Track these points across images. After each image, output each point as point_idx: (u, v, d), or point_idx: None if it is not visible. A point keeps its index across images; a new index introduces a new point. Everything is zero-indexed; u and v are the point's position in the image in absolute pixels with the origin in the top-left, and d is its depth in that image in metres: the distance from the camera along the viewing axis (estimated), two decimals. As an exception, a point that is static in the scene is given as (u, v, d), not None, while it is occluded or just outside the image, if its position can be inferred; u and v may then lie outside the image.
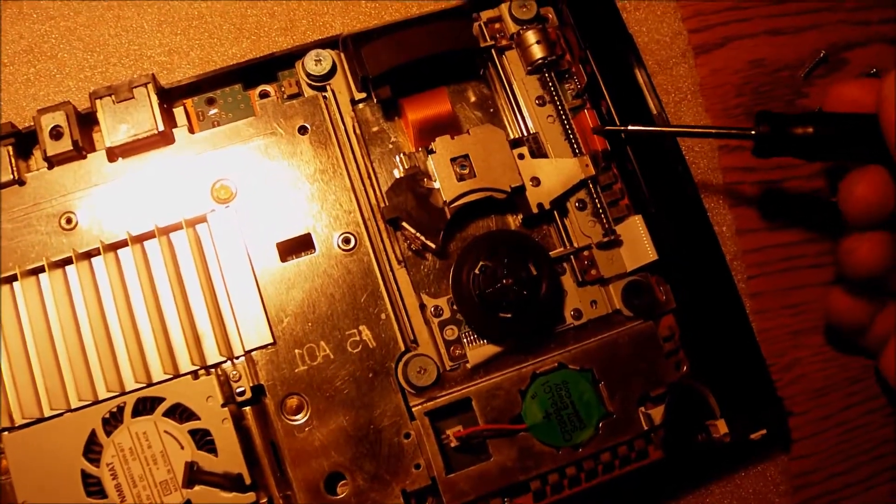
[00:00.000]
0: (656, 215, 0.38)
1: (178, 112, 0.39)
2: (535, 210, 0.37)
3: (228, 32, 0.41)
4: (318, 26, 0.42)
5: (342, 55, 0.39)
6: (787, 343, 0.42)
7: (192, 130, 0.38)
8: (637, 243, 0.38)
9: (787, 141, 0.36)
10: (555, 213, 0.38)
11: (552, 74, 0.39)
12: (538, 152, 0.38)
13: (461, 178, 0.37)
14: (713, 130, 0.38)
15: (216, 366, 0.35)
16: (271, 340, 0.35)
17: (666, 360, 0.37)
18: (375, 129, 0.39)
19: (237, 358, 0.36)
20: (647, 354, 0.37)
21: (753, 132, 0.36)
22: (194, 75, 0.39)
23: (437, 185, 0.36)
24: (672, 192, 0.39)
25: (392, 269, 0.36)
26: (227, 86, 0.39)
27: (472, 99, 0.40)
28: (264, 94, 0.39)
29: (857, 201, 0.36)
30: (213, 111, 0.39)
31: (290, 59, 0.39)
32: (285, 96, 0.39)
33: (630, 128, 0.38)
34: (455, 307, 0.36)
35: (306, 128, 0.37)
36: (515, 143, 0.38)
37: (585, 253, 0.38)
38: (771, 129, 0.36)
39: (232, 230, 0.36)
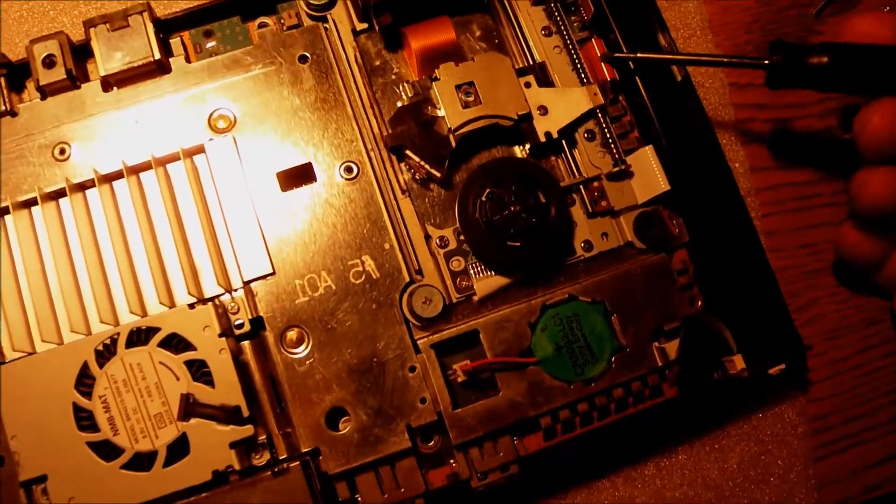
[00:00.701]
0: (668, 147, 0.35)
1: (175, 44, 0.36)
2: (542, 138, 0.34)
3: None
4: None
5: (344, -15, 0.37)
6: (801, 283, 0.38)
7: (189, 60, 0.35)
8: (648, 174, 0.34)
9: (801, 71, 0.33)
10: (563, 142, 0.35)
11: (559, 5, 0.37)
12: (545, 81, 0.35)
13: (466, 106, 0.34)
14: (725, 59, 0.34)
15: (214, 298, 0.32)
16: (271, 271, 0.32)
17: (680, 294, 0.34)
18: (378, 62, 0.36)
19: (236, 290, 0.33)
20: (661, 287, 0.34)
21: (767, 62, 0.33)
22: (190, 6, 0.37)
23: (441, 112, 0.33)
24: (684, 125, 0.36)
25: (396, 199, 0.33)
26: (225, 18, 0.36)
27: (477, 32, 0.37)
28: (263, 26, 0.36)
29: (872, 133, 0.33)
30: (211, 44, 0.36)
31: None
32: (285, 28, 0.36)
33: (640, 55, 0.35)
34: (462, 237, 0.33)
35: (307, 56, 0.35)
36: (522, 72, 0.35)
37: (595, 184, 0.35)
38: (784, 58, 0.33)
39: (230, 160, 0.33)
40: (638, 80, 0.36)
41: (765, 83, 0.34)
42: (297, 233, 0.33)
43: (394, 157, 0.34)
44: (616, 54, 0.35)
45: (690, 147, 0.37)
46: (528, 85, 0.35)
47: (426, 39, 0.34)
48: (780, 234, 0.39)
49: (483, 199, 0.33)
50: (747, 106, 0.41)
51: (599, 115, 0.35)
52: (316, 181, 0.33)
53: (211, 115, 0.34)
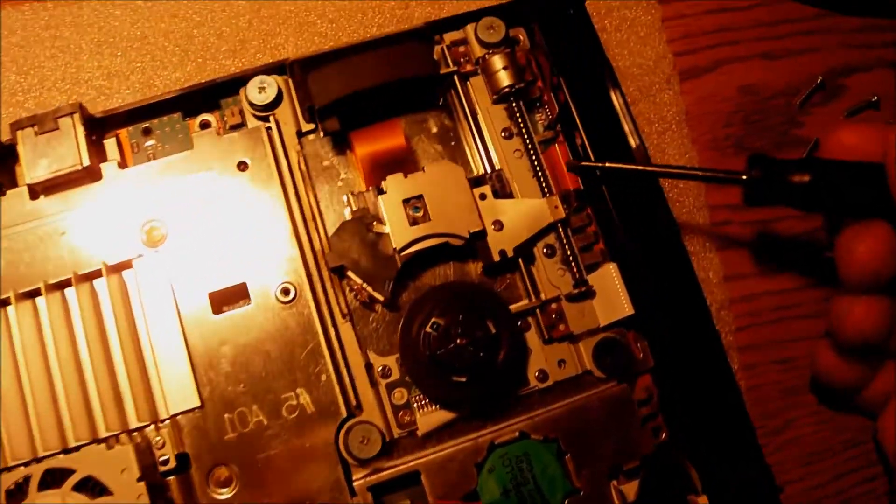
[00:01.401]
0: (633, 262, 0.31)
1: (110, 145, 0.32)
2: (496, 258, 0.30)
3: (172, 55, 0.34)
4: (269, 48, 0.35)
5: (290, 82, 0.32)
6: (778, 402, 0.34)
7: (123, 164, 0.31)
8: (611, 295, 0.30)
9: (781, 189, 0.28)
10: (519, 260, 0.30)
11: (521, 104, 0.32)
12: (502, 192, 0.31)
13: (414, 222, 0.29)
14: (699, 173, 0.30)
15: (139, 430, 0.29)
16: (198, 403, 0.28)
17: (642, 428, 0.29)
18: (326, 163, 0.32)
19: (162, 421, 0.29)
20: (621, 421, 0.29)
21: (744, 177, 0.28)
22: (128, 103, 0.33)
23: (387, 229, 0.29)
24: (652, 235, 0.32)
25: (336, 324, 0.29)
26: (166, 114, 0.32)
27: (434, 130, 0.33)
28: (205, 125, 0.32)
29: (856, 264, 0.28)
30: (150, 142, 0.32)
31: (233, 85, 0.31)
32: (227, 127, 0.32)
33: (607, 165, 0.30)
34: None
35: (246, 163, 0.30)
36: (477, 182, 0.31)
37: (553, 306, 0.30)
38: (763, 174, 0.28)
39: (160, 278, 0.29)
40: (605, 189, 0.32)
41: (742, 201, 0.30)
42: (228, 361, 0.29)
43: (335, 277, 0.30)
44: (582, 163, 0.31)
45: (659, 259, 0.32)
46: (483, 197, 0.30)
47: (373, 146, 0.30)
48: (755, 349, 0.35)
49: (427, 329, 0.28)
50: (724, 207, 0.36)
51: (560, 229, 0.31)
52: (251, 303, 0.29)
53: (143, 226, 0.30)
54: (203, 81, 0.31)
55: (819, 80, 0.39)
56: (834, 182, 0.28)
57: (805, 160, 0.29)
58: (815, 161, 0.30)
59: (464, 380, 0.28)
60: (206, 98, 0.32)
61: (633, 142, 0.33)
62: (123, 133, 0.32)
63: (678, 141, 0.36)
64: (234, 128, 0.32)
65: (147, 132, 0.32)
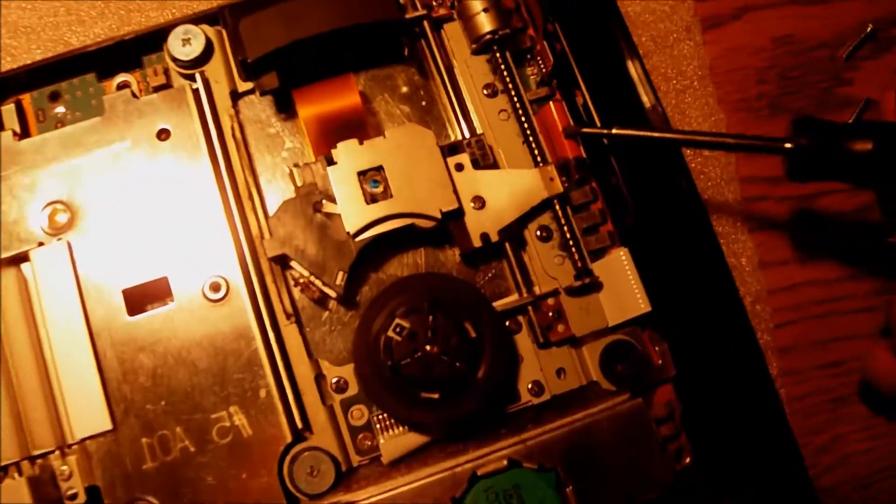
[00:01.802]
0: (649, 247, 0.24)
1: (9, 111, 0.25)
2: (477, 243, 0.23)
3: (91, 7, 0.28)
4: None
5: (224, 33, 0.25)
6: (825, 415, 0.27)
7: (20, 134, 0.24)
8: (622, 288, 0.23)
9: (835, 159, 0.21)
10: (506, 246, 0.24)
11: (507, 55, 0.25)
12: (484, 161, 0.24)
13: (373, 200, 0.23)
14: (731, 140, 0.23)
15: (41, 457, 0.23)
16: (110, 426, 0.22)
17: (661, 453, 0.23)
18: (269, 130, 0.26)
19: (69, 447, 0.23)
20: (635, 445, 0.23)
21: (789, 145, 0.21)
22: (31, 63, 0.27)
23: (338, 209, 0.23)
24: (672, 214, 0.25)
25: (277, 327, 0.23)
26: (77, 75, 0.25)
27: (401, 88, 0.26)
28: (123, 87, 0.27)
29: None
30: (59, 109, 0.26)
31: (157, 38, 0.25)
32: (150, 89, 0.25)
33: (615, 132, 0.23)
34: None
35: (167, 131, 0.24)
36: (452, 150, 0.24)
37: (550, 302, 0.24)
38: (814, 142, 0.21)
39: (64, 271, 0.23)
40: (613, 158, 0.25)
41: (785, 174, 0.23)
42: (146, 373, 0.23)
43: (277, 269, 0.24)
44: (584, 129, 0.24)
45: (681, 243, 0.26)
46: (459, 167, 0.24)
47: (319, 105, 0.23)
48: (797, 352, 0.28)
49: (390, 334, 0.22)
50: (758, 179, 0.29)
51: (558, 206, 0.24)
52: (173, 302, 0.23)
53: (43, 210, 0.24)
54: (117, 35, 0.26)
55: (869, 29, 0.31)
56: (881, 151, 0.22)
57: (866, 124, 0.23)
58: (877, 126, 0.23)
59: (436, 397, 0.22)
60: (126, 55, 0.25)
61: (646, 101, 0.27)
62: (27, 98, 0.26)
63: (701, 101, 0.29)
64: (158, 90, 0.26)
65: (55, 97, 0.26)
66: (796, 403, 0.27)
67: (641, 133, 0.24)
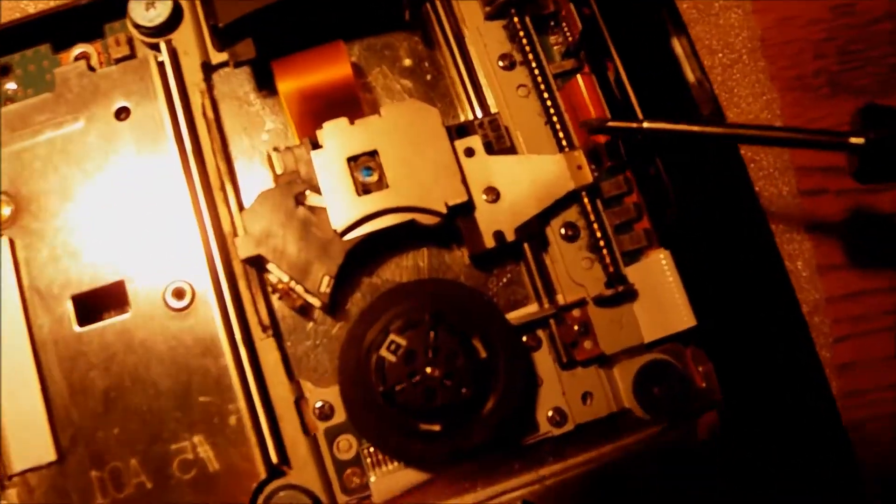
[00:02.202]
0: (692, 249, 0.20)
1: None
2: (489, 243, 0.19)
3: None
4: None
5: (195, -5, 0.22)
6: (893, 444, 0.25)
7: (-35, 114, 0.23)
8: (662, 297, 0.19)
9: None
10: (525, 246, 0.19)
11: (527, 20, 0.21)
12: (500, 146, 0.20)
13: (365, 191, 0.19)
14: (786, 135, 0.18)
15: (-24, 490, 0.21)
16: (54, 457, 0.18)
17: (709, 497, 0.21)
18: (251, 108, 0.21)
19: (9, 478, 0.19)
20: (676, 483, 0.20)
21: (857, 140, 0.17)
22: None
23: (324, 202, 0.19)
24: (720, 209, 0.22)
25: (251, 341, 0.19)
26: (30, 47, 0.21)
27: (404, 61, 0.21)
28: (82, 58, 0.22)
29: None
30: (10, 85, 0.21)
31: (120, 2, 0.21)
32: (112, 61, 0.21)
33: (646, 125, 0.19)
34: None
35: (127, 109, 0.20)
36: (461, 131, 0.20)
37: (576, 313, 0.19)
38: (888, 136, 0.17)
39: (4, 274, 0.19)
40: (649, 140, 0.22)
41: (851, 173, 0.18)
42: (97, 395, 0.18)
43: (252, 273, 0.19)
44: (610, 123, 0.19)
45: (730, 243, 0.22)
46: (470, 152, 0.19)
47: (302, 77, 0.19)
48: (860, 370, 0.23)
49: (383, 353, 0.18)
50: (815, 170, 0.25)
51: (586, 199, 0.19)
52: (129, 310, 0.19)
53: (-19, 201, 0.22)
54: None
55: (941, -2, 0.28)
56: None
57: None
58: None
59: (437, 429, 0.18)
60: (85, 22, 0.21)
61: (690, 76, 0.23)
62: None
63: (751, 77, 0.24)
64: (121, 62, 0.21)
65: (4, 71, 0.22)
66: (859, 431, 0.23)
67: (679, 127, 0.19)
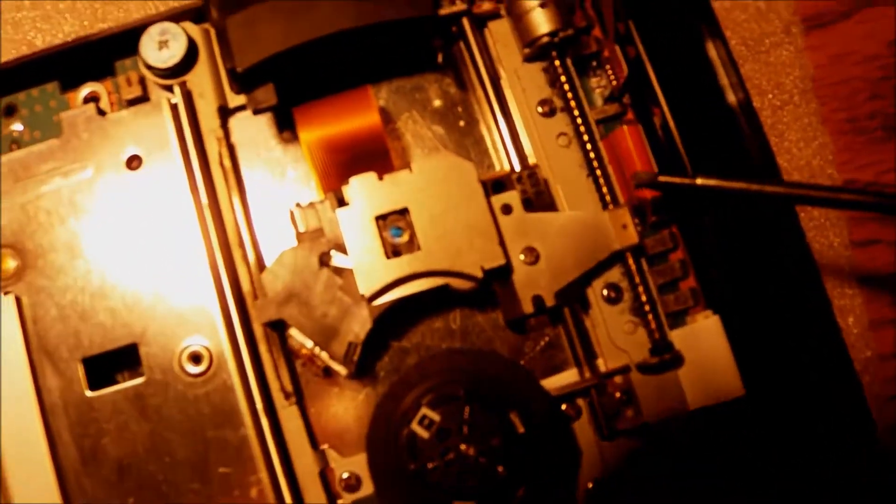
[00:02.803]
0: (741, 306, 0.19)
1: None
2: (528, 309, 0.17)
3: (59, 1, 0.22)
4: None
5: (212, 32, 0.20)
6: None
7: (-31, 158, 0.21)
8: (708, 363, 0.18)
9: None
10: (564, 310, 0.18)
11: (568, 62, 0.19)
12: (538, 201, 0.18)
13: (395, 253, 0.17)
14: (848, 197, 0.16)
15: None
16: (65, 530, 0.18)
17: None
18: (271, 155, 0.19)
19: (17, 549, 0.21)
20: None
21: None
22: None
23: (350, 263, 0.17)
24: (769, 261, 0.21)
25: (274, 409, 0.17)
26: (39, 84, 0.20)
27: (435, 103, 0.20)
28: (91, 99, 0.21)
29: None
30: (16, 126, 0.20)
31: (131, 39, 0.19)
32: (123, 102, 0.20)
33: (700, 182, 0.17)
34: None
35: (139, 158, 0.18)
36: (498, 186, 0.18)
37: (618, 380, 0.18)
38: None
39: (10, 333, 0.18)
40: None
41: None
42: (109, 463, 0.17)
43: (273, 336, 0.18)
44: (661, 178, 0.17)
45: (781, 303, 0.21)
46: (507, 210, 0.18)
47: (325, 126, 0.17)
48: None
49: (414, 428, 0.17)
50: (867, 219, 0.22)
51: (631, 260, 0.18)
52: (143, 375, 0.18)
53: (-14, 254, 0.21)
54: (82, 36, 0.20)
55: None
56: None
57: None
58: None
59: (472, 508, 0.18)
60: (96, 59, 0.20)
61: (739, 112, 0.21)
62: None
63: (802, 120, 0.22)
64: (134, 103, 0.20)
65: (10, 111, 0.20)
66: None
67: (734, 185, 0.17)
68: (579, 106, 0.19)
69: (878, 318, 0.22)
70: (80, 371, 0.18)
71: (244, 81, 0.18)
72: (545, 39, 0.19)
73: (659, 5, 0.20)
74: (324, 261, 0.18)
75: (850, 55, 0.24)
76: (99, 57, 0.21)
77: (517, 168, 0.19)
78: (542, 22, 0.19)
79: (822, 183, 0.23)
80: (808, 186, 0.18)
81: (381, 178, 0.18)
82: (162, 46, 0.19)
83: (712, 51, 0.21)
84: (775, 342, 0.19)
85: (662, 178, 0.18)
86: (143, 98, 0.20)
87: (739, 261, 0.20)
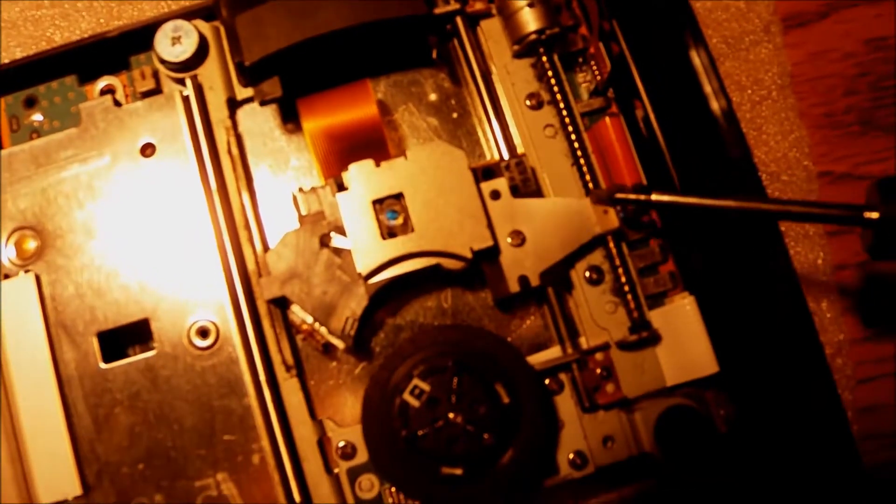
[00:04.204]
0: (716, 289, 0.20)
1: None
2: (514, 288, 0.19)
3: (76, -2, 0.25)
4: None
5: (221, 29, 0.21)
6: None
7: (-6, 145, 0.22)
8: (685, 342, 0.19)
9: None
10: (548, 290, 0.19)
11: (555, 59, 0.21)
12: (525, 188, 0.20)
13: (390, 234, 0.19)
14: (798, 209, 0.17)
15: (4, 521, 0.22)
16: (79, 491, 0.18)
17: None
18: (276, 144, 0.21)
19: (34, 511, 0.22)
20: None
21: (871, 215, 0.16)
22: (8, 62, 0.23)
23: (349, 244, 0.19)
24: (743, 248, 0.22)
25: (276, 380, 0.19)
26: (58, 77, 0.21)
27: (430, 97, 0.21)
28: (107, 91, 0.22)
29: None
30: (36, 116, 0.22)
31: (146, 34, 0.21)
32: (137, 94, 0.21)
33: (654, 198, 0.18)
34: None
35: (153, 145, 0.20)
36: (487, 173, 0.20)
37: (599, 357, 0.19)
38: None
39: (30, 308, 0.19)
40: (674, 175, 0.20)
41: (865, 249, 0.17)
42: (122, 430, 0.19)
43: (276, 312, 0.19)
44: (618, 195, 0.18)
45: (755, 286, 0.22)
46: (496, 195, 0.19)
47: (327, 117, 0.19)
48: (882, 413, 0.25)
49: (406, 397, 0.18)
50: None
51: (612, 244, 0.19)
52: (154, 349, 0.19)
53: (9, 236, 0.20)
54: (99, 33, 0.21)
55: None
56: None
57: None
58: None
59: (459, 472, 0.18)
60: (111, 54, 0.21)
61: (718, 112, 0.22)
62: (0, 104, 0.23)
63: (780, 115, 0.24)
64: (148, 95, 0.21)
65: (31, 103, 0.22)
66: (883, 472, 0.23)
67: (688, 200, 0.18)
68: (565, 99, 0.21)
69: (851, 304, 0.24)
70: (95, 344, 0.19)
71: (252, 75, 0.20)
72: (533, 37, 0.20)
73: (642, 5, 0.21)
74: (324, 242, 0.19)
75: (827, 53, 0.25)
76: (115, 52, 0.22)
77: (506, 157, 0.20)
78: (530, 20, 0.21)
79: (798, 174, 0.24)
80: (759, 200, 0.19)
81: (378, 164, 0.19)
82: (175, 42, 0.20)
83: (693, 53, 0.22)
84: (749, 324, 0.21)
85: (619, 195, 0.19)
86: (157, 90, 0.21)
87: (717, 249, 0.21)
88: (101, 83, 0.22)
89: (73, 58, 0.22)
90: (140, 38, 0.22)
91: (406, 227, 0.19)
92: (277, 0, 0.19)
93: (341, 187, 0.19)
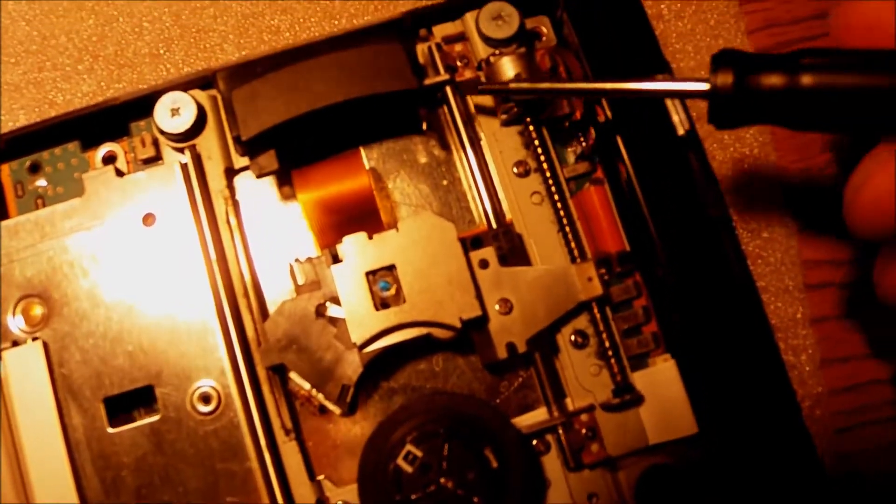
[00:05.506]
0: (697, 347, 0.20)
1: None
2: (502, 354, 0.20)
3: (78, 61, 0.24)
4: (204, 49, 0.25)
5: (219, 99, 0.22)
6: None
7: (3, 211, 0.22)
8: (667, 403, 0.20)
9: (758, 99, 0.17)
10: (535, 356, 0.20)
11: (543, 130, 0.21)
12: (513, 256, 0.20)
13: (383, 305, 0.20)
14: (634, 87, 0.18)
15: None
16: (86, 557, 0.20)
17: None
18: (273, 211, 0.22)
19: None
20: None
21: (709, 86, 0.17)
22: (12, 130, 0.23)
23: (343, 314, 0.20)
24: (724, 306, 0.22)
25: (275, 444, 0.20)
26: (62, 142, 0.22)
27: (421, 160, 0.22)
28: (109, 159, 0.23)
29: (863, 210, 0.17)
30: (40, 182, 0.23)
31: (146, 103, 0.21)
32: (138, 161, 0.22)
33: (512, 86, 0.19)
34: None
35: (153, 215, 0.21)
36: (476, 243, 0.21)
37: (584, 418, 0.20)
38: (737, 79, 0.16)
39: (38, 375, 0.20)
40: (657, 241, 0.21)
41: (709, 119, 0.18)
42: (128, 493, 0.19)
43: (275, 379, 0.20)
44: (480, 87, 0.20)
45: (730, 340, 0.22)
46: (484, 264, 0.20)
47: (320, 189, 0.20)
48: (860, 459, 0.26)
49: (400, 462, 0.19)
50: (822, 263, 0.25)
51: (596, 310, 0.20)
52: (158, 414, 0.20)
53: (16, 304, 0.21)
54: (98, 102, 0.22)
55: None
56: (841, 83, 0.16)
57: (795, 54, 0.17)
58: (808, 53, 0.17)
59: (451, 534, 0.20)
60: (111, 120, 0.22)
61: (696, 165, 0.23)
62: (5, 170, 0.23)
63: (764, 172, 0.25)
64: (148, 162, 0.22)
65: (35, 169, 0.23)
66: None
67: (540, 85, 0.20)
68: (551, 168, 0.21)
69: (830, 356, 0.24)
70: (102, 410, 0.20)
71: (248, 148, 0.20)
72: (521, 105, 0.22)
73: (625, 71, 0.22)
74: (320, 311, 0.20)
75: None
76: (116, 118, 0.23)
77: (494, 224, 0.21)
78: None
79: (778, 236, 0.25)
80: (598, 80, 0.20)
81: (370, 237, 0.20)
82: (174, 114, 0.21)
83: (674, 111, 0.22)
84: (729, 383, 0.22)
85: (482, 87, 0.20)
86: (157, 157, 0.22)
87: (697, 305, 0.22)
88: (103, 150, 0.23)
89: (75, 124, 0.23)
90: (139, 104, 0.22)
91: (398, 298, 0.20)
92: (271, 75, 0.20)
93: (336, 259, 0.20)
